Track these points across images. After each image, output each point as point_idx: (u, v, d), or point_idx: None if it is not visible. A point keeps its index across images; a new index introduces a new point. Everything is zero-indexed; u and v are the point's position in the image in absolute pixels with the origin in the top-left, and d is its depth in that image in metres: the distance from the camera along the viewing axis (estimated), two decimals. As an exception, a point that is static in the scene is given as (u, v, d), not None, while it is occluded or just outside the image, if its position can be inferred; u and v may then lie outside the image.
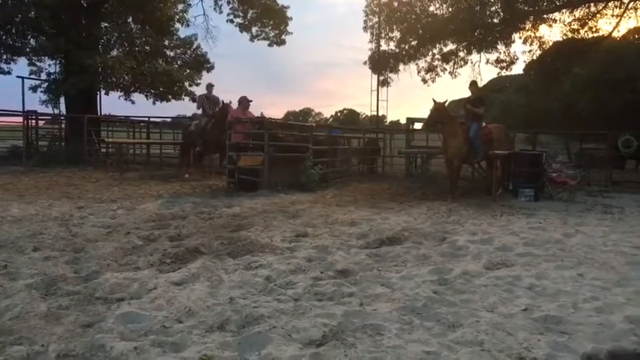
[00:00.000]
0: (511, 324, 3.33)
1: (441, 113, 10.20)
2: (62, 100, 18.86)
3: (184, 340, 2.98)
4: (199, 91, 15.44)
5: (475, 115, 10.58)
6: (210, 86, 14.23)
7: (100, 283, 3.97)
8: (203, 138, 13.10)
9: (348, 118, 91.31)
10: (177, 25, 20.70)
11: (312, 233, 6.23)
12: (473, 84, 11.21)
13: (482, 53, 20.09)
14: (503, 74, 24.24)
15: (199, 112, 14.08)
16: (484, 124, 10.93)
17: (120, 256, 4.91)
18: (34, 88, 18.76)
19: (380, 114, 27.24)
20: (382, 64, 21.69)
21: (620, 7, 18.73)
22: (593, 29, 19.68)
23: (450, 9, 18.63)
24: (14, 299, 3.56)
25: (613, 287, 4.22)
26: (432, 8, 19.52)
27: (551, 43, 20.47)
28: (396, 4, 20.64)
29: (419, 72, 21.12)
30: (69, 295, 3.72)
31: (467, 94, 11.37)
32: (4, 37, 17.94)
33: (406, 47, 20.24)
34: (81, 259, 4.73)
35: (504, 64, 20.60)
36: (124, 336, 3.04)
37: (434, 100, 10.15)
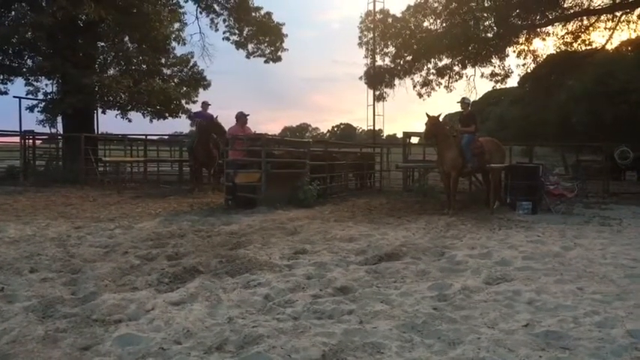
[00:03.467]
0: (512, 340, 3.31)
1: (435, 127, 10.28)
2: (59, 119, 18.92)
3: (183, 362, 2.95)
4: (196, 108, 15.55)
5: (467, 132, 10.67)
6: (205, 104, 14.39)
7: (98, 304, 3.94)
8: (192, 155, 13.80)
9: (345, 132, 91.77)
10: (174, 43, 20.93)
11: (310, 250, 6.21)
12: (463, 102, 11.25)
13: (476, 67, 20.24)
14: (498, 87, 24.38)
15: (192, 129, 14.40)
16: (477, 134, 10.98)
17: (117, 276, 4.88)
18: (31, 108, 18.82)
19: (376, 128, 27.38)
20: (378, 80, 21.81)
21: (612, 20, 18.95)
22: (587, 42, 19.90)
23: (444, 24, 18.81)
24: (11, 322, 3.53)
25: (613, 301, 4.21)
26: (426, 24, 19.73)
27: (545, 57, 20.67)
28: (390, 20, 20.85)
29: (414, 86, 21.28)
30: (66, 318, 3.68)
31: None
32: (1, 58, 18.04)
33: (401, 62, 20.39)
34: (78, 280, 4.70)
35: (499, 78, 20.73)
36: (121, 359, 3.02)
37: (427, 115, 10.22)
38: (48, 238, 6.70)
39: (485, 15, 17.99)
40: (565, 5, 18.41)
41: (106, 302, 3.97)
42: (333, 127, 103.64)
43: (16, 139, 17.52)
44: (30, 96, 18.87)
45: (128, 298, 4.11)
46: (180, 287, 4.50)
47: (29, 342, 3.21)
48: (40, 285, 4.50)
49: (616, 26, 19.09)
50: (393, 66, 20.83)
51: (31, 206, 10.13)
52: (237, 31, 21.97)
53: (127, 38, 19.71)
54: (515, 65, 25.01)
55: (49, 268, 5.11)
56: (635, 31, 19.35)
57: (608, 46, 20.87)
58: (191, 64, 21.49)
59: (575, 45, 19.81)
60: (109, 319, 3.67)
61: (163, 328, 3.47)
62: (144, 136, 19.76)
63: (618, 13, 18.48)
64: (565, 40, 19.71)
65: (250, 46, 22.32)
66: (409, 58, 20.03)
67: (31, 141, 18.05)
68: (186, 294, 4.26)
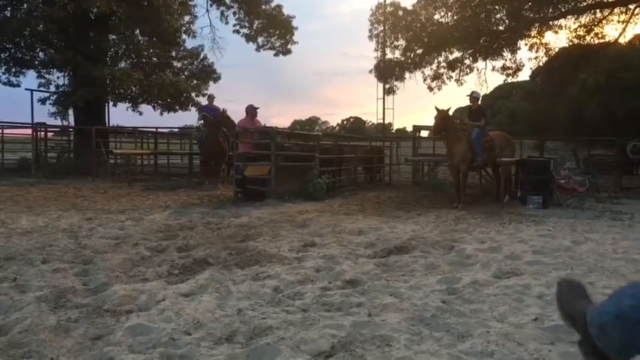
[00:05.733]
0: (521, 334, 3.30)
1: (445, 121, 10.22)
2: (71, 111, 19.05)
3: (193, 353, 2.97)
4: (206, 101, 15.56)
5: (477, 127, 10.61)
6: (211, 97, 14.47)
7: (109, 295, 3.98)
8: (202, 148, 14.00)
9: (355, 126, 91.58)
10: (184, 36, 21.00)
11: (319, 243, 6.22)
12: (472, 96, 11.19)
13: (487, 60, 20.11)
14: (510, 81, 24.20)
15: (201, 122, 14.48)
16: (486, 129, 10.92)
17: (128, 267, 4.92)
18: (42, 101, 18.94)
19: (386, 122, 27.30)
20: (388, 73, 21.72)
21: (625, 13, 18.72)
22: (599, 35, 19.69)
23: (455, 17, 18.68)
24: (24, 312, 3.57)
25: (624, 296, 4.17)
26: (437, 16, 19.60)
27: (557, 50, 20.48)
28: (401, 12, 20.73)
29: (425, 80, 21.16)
30: (78, 308, 3.72)
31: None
32: (13, 50, 18.19)
33: (412, 55, 20.29)
34: (90, 271, 4.74)
35: (510, 71, 20.58)
36: (132, 348, 3.04)
37: (437, 109, 10.15)
38: (60, 230, 6.77)
39: (497, 8, 17.86)
40: (578, -3, 18.21)
41: (117, 293, 4.00)
42: (342, 121, 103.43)
43: (28, 131, 17.69)
44: (42, 88, 19.01)
45: (139, 289, 4.15)
46: (190, 279, 4.53)
47: (41, 331, 3.25)
48: (52, 275, 4.54)
49: (629, 19, 18.85)
50: (403, 59, 20.75)
51: (42, 198, 10.22)
52: (247, 24, 21.95)
53: (137, 31, 19.79)
54: (527, 58, 24.83)
55: (60, 259, 5.16)
56: (649, 24, 19.13)
57: (622, 40, 20.67)
58: (201, 57, 21.56)
59: (587, 38, 19.61)
60: (120, 310, 3.70)
61: (173, 318, 3.50)
62: (154, 129, 19.86)
63: (632, 6, 18.23)
64: (578, 33, 19.50)
65: (260, 39, 22.31)
66: (420, 51, 19.93)
67: (42, 133, 18.25)
68: (196, 285, 4.28)
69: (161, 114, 20.82)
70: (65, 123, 19.41)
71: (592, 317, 1.46)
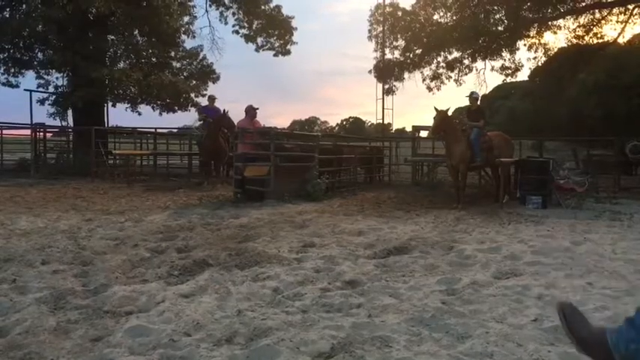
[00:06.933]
0: (521, 335, 3.31)
1: (444, 121, 10.22)
2: (70, 112, 19.05)
3: (192, 354, 2.97)
4: (205, 102, 15.56)
5: (476, 127, 10.61)
6: (211, 98, 14.47)
7: (109, 296, 3.98)
8: (202, 149, 14.04)
9: (354, 126, 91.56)
10: (183, 36, 21.01)
11: (319, 243, 6.22)
12: (472, 96, 11.21)
13: (486, 61, 20.13)
14: (509, 81, 24.22)
15: (200, 123, 14.56)
16: (485, 129, 10.93)
17: (128, 268, 4.92)
18: (41, 101, 18.96)
19: (386, 122, 27.33)
20: (387, 73, 21.74)
21: (624, 13, 18.74)
22: (598, 35, 19.70)
23: (454, 17, 18.69)
24: (23, 313, 3.57)
25: (623, 296, 4.18)
26: (436, 17, 19.63)
27: (556, 50, 20.49)
28: (400, 13, 20.76)
29: (424, 80, 21.18)
30: (77, 309, 3.72)
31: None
32: (12, 51, 18.19)
33: (411, 55, 20.31)
34: (89, 272, 4.73)
35: (509, 71, 20.60)
36: (132, 350, 3.04)
37: (436, 109, 10.14)
38: (59, 231, 6.76)
39: (496, 8, 17.87)
40: (577, -3, 18.24)
41: (116, 294, 4.00)
42: (342, 121, 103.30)
43: (27, 131, 17.72)
44: (41, 89, 19.02)
45: (138, 290, 4.15)
46: (189, 280, 4.53)
47: (41, 333, 3.25)
48: (52, 277, 4.54)
49: (628, 19, 18.88)
50: (402, 59, 20.76)
51: (42, 198, 10.21)
52: (246, 25, 21.94)
53: (136, 31, 19.80)
54: (526, 59, 24.80)
55: (60, 260, 5.15)
56: (647, 24, 19.17)
57: (620, 40, 20.69)
58: (200, 57, 21.56)
59: (586, 38, 19.63)
60: (120, 311, 3.70)
61: (173, 320, 3.50)
62: (153, 129, 19.84)
63: (630, 6, 18.25)
64: (577, 33, 19.53)
65: (259, 40, 22.30)
66: (419, 51, 19.95)
67: (42, 134, 18.23)
68: (196, 286, 4.28)
69: (160, 114, 20.90)
70: (64, 123, 19.43)
71: (616, 344, 1.50)
